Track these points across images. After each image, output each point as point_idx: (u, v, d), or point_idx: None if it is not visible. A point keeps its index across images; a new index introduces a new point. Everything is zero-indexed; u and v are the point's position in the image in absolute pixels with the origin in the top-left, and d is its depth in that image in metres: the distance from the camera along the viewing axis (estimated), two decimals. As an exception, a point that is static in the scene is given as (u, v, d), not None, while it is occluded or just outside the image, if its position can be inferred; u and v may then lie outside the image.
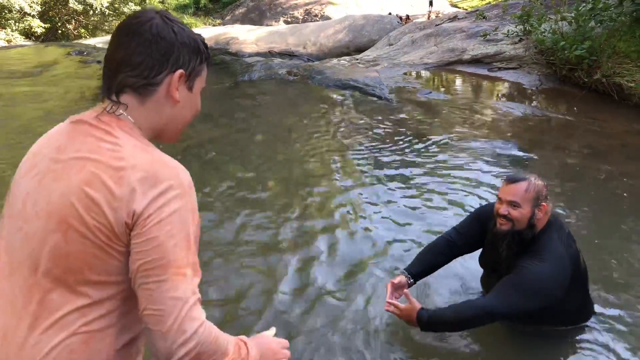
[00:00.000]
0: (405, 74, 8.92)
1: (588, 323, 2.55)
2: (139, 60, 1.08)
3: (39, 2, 21.69)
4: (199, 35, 1.19)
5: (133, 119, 1.11)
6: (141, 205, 0.99)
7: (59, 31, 23.84)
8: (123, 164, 1.01)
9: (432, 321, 2.22)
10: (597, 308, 2.63)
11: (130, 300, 1.05)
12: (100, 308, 1.02)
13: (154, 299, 0.98)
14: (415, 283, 2.56)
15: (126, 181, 1.00)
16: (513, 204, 2.26)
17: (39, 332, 0.99)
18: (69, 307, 1.00)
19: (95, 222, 0.99)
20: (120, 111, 1.10)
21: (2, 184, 4.36)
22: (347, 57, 12.62)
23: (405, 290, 2.40)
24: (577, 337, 2.51)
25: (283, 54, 17.22)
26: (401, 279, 2.50)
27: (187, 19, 33.28)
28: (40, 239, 1.02)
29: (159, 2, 29.41)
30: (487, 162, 4.83)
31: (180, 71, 1.12)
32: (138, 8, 24.78)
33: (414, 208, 3.89)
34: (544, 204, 2.26)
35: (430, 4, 23.85)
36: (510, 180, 2.31)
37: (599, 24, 7.50)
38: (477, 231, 2.58)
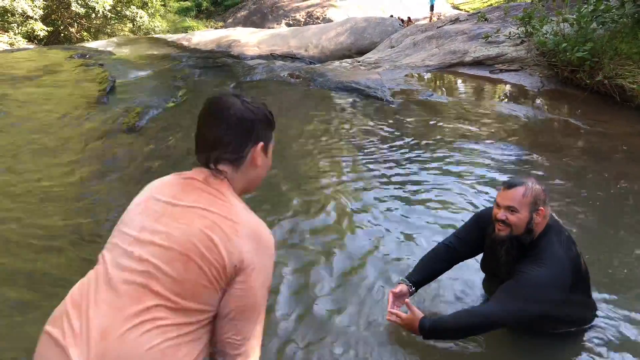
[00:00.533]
0: (406, 76, 8.92)
1: (591, 325, 2.54)
2: (229, 141, 1.42)
3: (42, 6, 21.78)
4: (267, 108, 1.51)
5: (231, 183, 1.43)
6: (248, 256, 1.28)
7: (62, 34, 23.93)
8: (237, 219, 1.31)
9: (434, 330, 2.23)
10: (600, 310, 2.62)
11: (209, 326, 1.30)
12: (191, 327, 1.25)
13: (239, 332, 1.28)
14: (416, 291, 2.57)
15: (240, 233, 1.29)
16: (511, 209, 2.26)
17: (139, 334, 1.18)
18: (169, 321, 1.22)
19: (213, 260, 1.25)
20: (223, 177, 1.42)
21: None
22: (348, 60, 12.63)
23: (407, 299, 2.40)
24: (580, 339, 2.50)
25: (285, 57, 17.25)
26: (402, 287, 2.51)
27: (188, 22, 33.39)
28: (156, 264, 1.24)
29: (161, 4, 29.44)
30: (488, 164, 4.82)
31: (260, 144, 1.47)
32: (140, 11, 24.91)
33: (415, 210, 3.88)
34: (541, 208, 2.26)
35: (431, 8, 23.84)
36: (508, 186, 2.31)
37: (600, 26, 7.50)
38: (477, 236, 2.58)
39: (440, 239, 2.83)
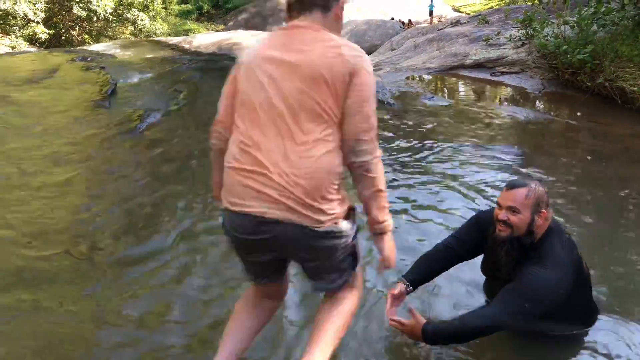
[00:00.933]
0: (407, 78, 8.93)
1: (592, 328, 2.54)
2: None
3: (43, 9, 21.82)
4: None
5: (323, 26, 1.76)
6: (356, 67, 1.67)
7: (63, 37, 23.97)
8: (341, 44, 1.70)
9: (437, 335, 2.21)
10: (602, 313, 2.62)
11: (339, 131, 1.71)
12: (334, 135, 1.69)
13: (365, 119, 1.70)
14: (414, 290, 2.56)
15: (348, 54, 1.67)
16: (512, 210, 2.26)
17: (309, 147, 1.64)
18: (320, 134, 1.65)
19: (336, 77, 1.64)
20: (317, 20, 1.77)
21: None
22: (349, 62, 12.63)
23: (410, 306, 2.39)
24: (580, 342, 2.51)
25: (286, 59, 17.24)
26: (400, 287, 2.49)
27: (189, 25, 33.42)
28: (296, 94, 1.65)
29: (162, 7, 29.50)
30: (489, 166, 4.82)
31: (343, 0, 1.85)
32: (141, 14, 24.95)
33: (415, 213, 3.89)
34: (543, 210, 2.26)
35: (430, 13, 23.89)
36: (510, 186, 2.31)
37: (601, 28, 7.51)
38: (476, 237, 2.58)
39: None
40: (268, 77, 1.70)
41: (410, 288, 2.52)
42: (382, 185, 1.79)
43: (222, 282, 3.03)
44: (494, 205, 2.41)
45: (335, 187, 1.71)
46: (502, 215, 2.29)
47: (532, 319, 2.20)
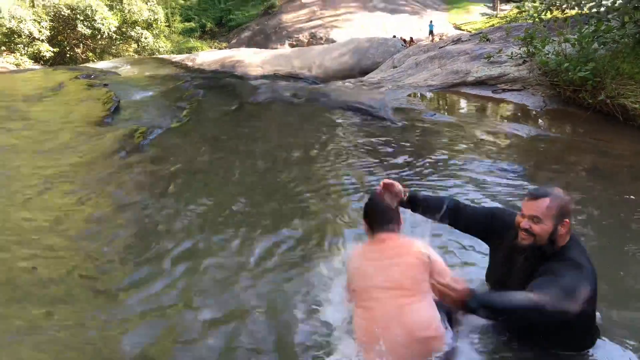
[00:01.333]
0: (409, 95, 8.97)
1: (590, 351, 2.50)
2: (392, 216, 2.58)
3: (48, 27, 22.08)
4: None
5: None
6: (429, 252, 2.38)
7: (67, 55, 24.21)
8: (418, 248, 2.40)
9: (484, 302, 2.15)
10: (603, 333, 2.58)
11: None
12: (429, 295, 2.31)
13: (446, 275, 2.32)
14: (406, 203, 2.73)
15: (418, 250, 2.39)
16: (535, 219, 2.25)
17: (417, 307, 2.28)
18: (422, 297, 2.30)
19: (422, 265, 2.33)
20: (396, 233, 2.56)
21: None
22: (352, 80, 12.72)
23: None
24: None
25: (288, 77, 17.37)
26: (398, 185, 2.67)
27: (193, 43, 33.74)
28: (399, 279, 2.33)
29: (165, 25, 29.80)
30: (491, 184, 4.81)
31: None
32: (145, 32, 25.17)
33: (415, 230, 3.87)
34: (566, 220, 2.24)
35: (430, 33, 24.06)
36: (534, 196, 2.30)
37: (602, 46, 7.54)
38: (481, 222, 2.65)
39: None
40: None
41: (407, 196, 2.70)
42: None
43: (225, 306, 3.01)
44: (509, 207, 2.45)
45: None
46: (524, 223, 2.28)
47: (566, 312, 2.11)
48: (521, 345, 2.46)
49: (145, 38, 25.69)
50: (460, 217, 2.71)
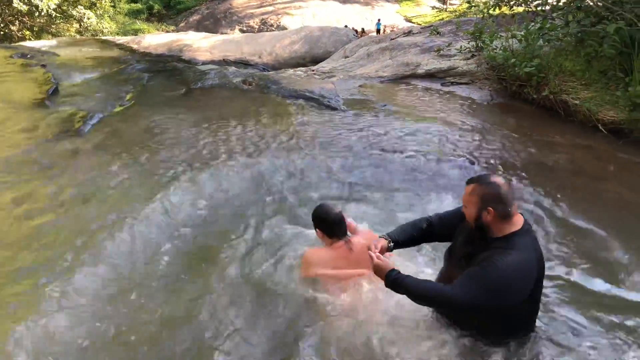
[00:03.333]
0: (360, 86, 8.95)
1: (526, 337, 2.57)
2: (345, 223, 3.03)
3: (-21, 2, 20.69)
4: None
5: None
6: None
7: (1, 32, 22.75)
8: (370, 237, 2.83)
9: (396, 283, 2.36)
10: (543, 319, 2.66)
11: None
12: None
13: None
14: (392, 250, 2.67)
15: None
16: (464, 205, 2.40)
17: None
18: None
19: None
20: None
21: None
22: (303, 68, 12.59)
23: (385, 247, 2.58)
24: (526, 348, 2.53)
25: (238, 63, 17.05)
26: (382, 242, 2.62)
27: (139, 25, 32.58)
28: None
29: (110, 5, 28.58)
30: (437, 174, 4.88)
31: None
32: (88, 12, 24.03)
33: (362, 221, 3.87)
34: (490, 208, 2.28)
35: (377, 32, 24.06)
36: (466, 182, 2.42)
37: (546, 43, 7.75)
38: (456, 224, 2.67)
39: None
40: None
41: (392, 245, 2.67)
42: None
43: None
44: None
45: None
46: (463, 208, 2.42)
47: (486, 306, 2.24)
48: (463, 332, 2.53)
49: (88, 18, 24.48)
50: (434, 232, 2.75)
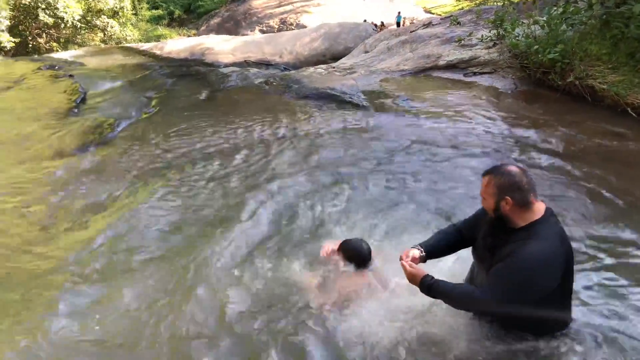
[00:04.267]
0: (382, 81, 8.92)
1: (565, 332, 2.52)
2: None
3: (8, 17, 21.25)
4: None
5: None
6: None
7: (30, 45, 23.37)
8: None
9: (432, 289, 2.36)
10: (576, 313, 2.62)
11: None
12: None
13: None
14: (426, 260, 2.65)
15: None
16: (482, 197, 2.39)
17: None
18: None
19: None
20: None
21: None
22: (323, 65, 12.60)
23: (416, 256, 2.57)
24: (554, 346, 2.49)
25: (259, 64, 17.16)
26: (414, 252, 2.59)
27: (161, 30, 33.04)
28: None
29: (132, 13, 29.06)
30: (464, 167, 4.84)
31: None
32: (111, 21, 24.49)
33: (391, 217, 3.87)
34: (507, 197, 2.27)
35: (397, 25, 23.76)
36: (482, 174, 2.41)
37: (570, 27, 7.59)
38: (479, 222, 2.65)
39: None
40: None
41: (424, 254, 2.63)
42: None
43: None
44: (466, 205, 2.53)
45: None
46: (482, 202, 2.42)
47: (519, 296, 2.21)
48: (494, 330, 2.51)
49: (112, 27, 24.98)
50: (463, 237, 2.72)
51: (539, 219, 2.29)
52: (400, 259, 2.54)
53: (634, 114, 6.01)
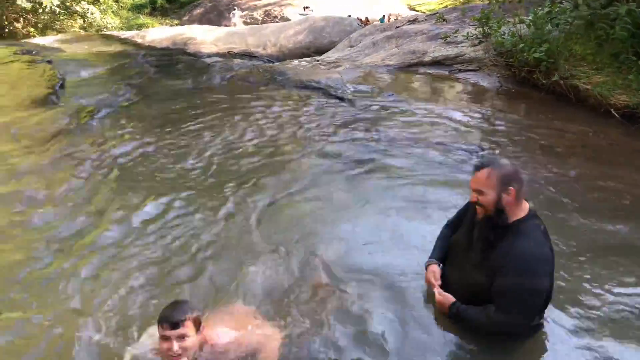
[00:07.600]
0: (367, 75, 8.87)
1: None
2: None
3: (-17, 0, 20.65)
4: None
5: None
6: None
7: (6, 30, 22.72)
8: None
9: (459, 316, 2.48)
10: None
11: None
12: None
13: None
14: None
15: None
16: (479, 192, 2.33)
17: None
18: None
19: None
20: None
21: None
22: (307, 58, 12.50)
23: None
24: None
25: (243, 55, 16.97)
26: (435, 268, 2.70)
27: (142, 19, 32.51)
28: None
29: (114, 1, 28.50)
30: (448, 164, 4.83)
31: None
32: (91, 7, 23.96)
33: (373, 211, 3.83)
34: (511, 188, 2.27)
35: (361, 22, 23.54)
36: (475, 168, 2.39)
37: (555, 27, 7.63)
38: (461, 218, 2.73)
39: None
40: None
41: (441, 264, 2.74)
42: None
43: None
44: (452, 201, 2.58)
45: None
46: (472, 197, 2.38)
47: (537, 294, 2.25)
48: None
49: (92, 14, 24.36)
50: (458, 227, 2.76)
51: (525, 217, 2.33)
52: (427, 281, 2.68)
53: (616, 115, 6.06)
